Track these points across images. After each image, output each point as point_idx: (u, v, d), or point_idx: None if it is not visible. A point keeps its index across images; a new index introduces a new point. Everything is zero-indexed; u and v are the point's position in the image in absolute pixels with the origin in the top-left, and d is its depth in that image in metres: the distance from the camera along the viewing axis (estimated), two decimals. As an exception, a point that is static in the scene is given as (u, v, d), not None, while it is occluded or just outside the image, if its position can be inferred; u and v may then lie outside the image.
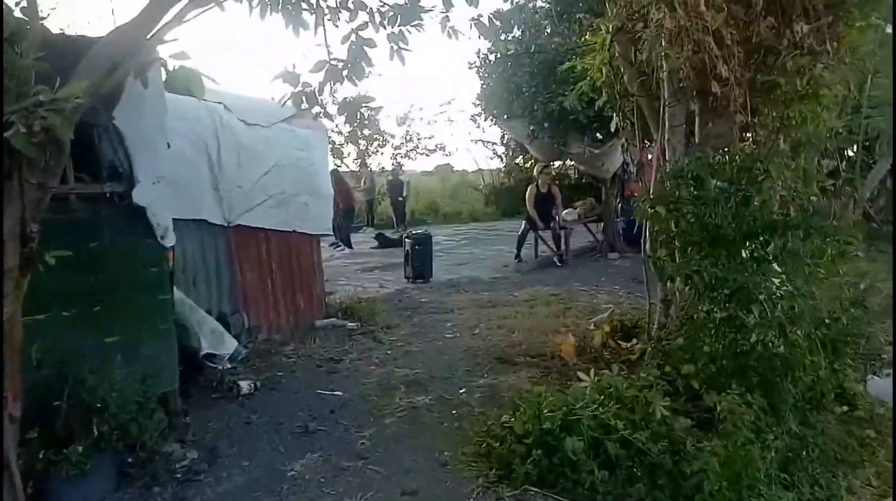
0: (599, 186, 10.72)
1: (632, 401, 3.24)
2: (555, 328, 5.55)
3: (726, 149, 3.57)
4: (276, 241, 5.64)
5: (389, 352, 5.11)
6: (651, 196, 3.48)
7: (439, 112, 29.26)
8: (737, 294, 3.09)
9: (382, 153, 20.19)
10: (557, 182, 10.87)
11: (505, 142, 21.81)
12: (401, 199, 17.05)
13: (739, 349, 3.39)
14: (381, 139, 20.26)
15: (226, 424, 3.69)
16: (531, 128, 8.86)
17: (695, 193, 3.22)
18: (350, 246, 12.71)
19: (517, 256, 9.43)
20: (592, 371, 3.43)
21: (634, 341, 4.70)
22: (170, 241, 3.64)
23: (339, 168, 14.12)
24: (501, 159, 23.50)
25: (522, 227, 9.59)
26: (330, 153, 20.02)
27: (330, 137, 19.52)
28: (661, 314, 4.32)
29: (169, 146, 3.83)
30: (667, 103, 3.85)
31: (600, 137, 9.70)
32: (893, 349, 4.00)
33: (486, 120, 10.44)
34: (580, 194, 14.39)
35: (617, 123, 4.40)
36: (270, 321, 5.57)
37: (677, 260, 3.45)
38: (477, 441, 3.32)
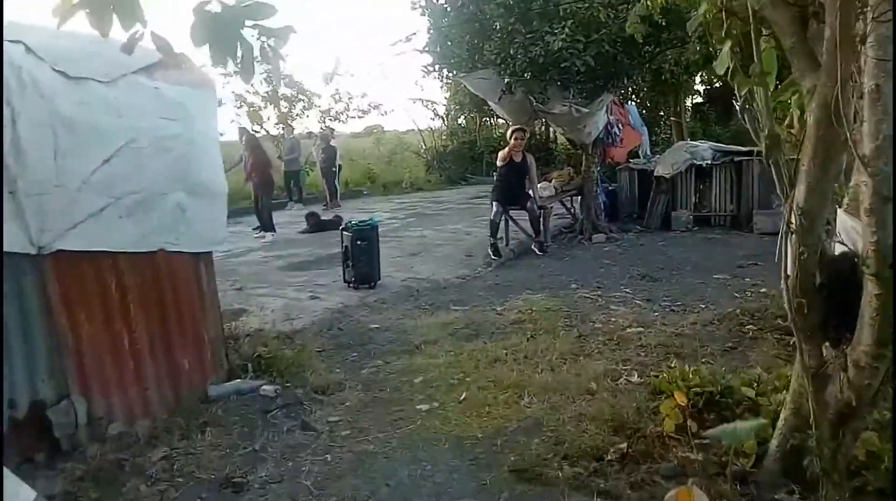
0: (577, 152, 8.83)
1: None
2: (583, 384, 3.65)
3: None
4: (134, 269, 3.45)
5: (329, 458, 3.06)
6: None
7: (396, 51, 25.60)
8: None
9: (308, 116, 17.67)
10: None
11: (449, 100, 19.67)
12: (334, 170, 14.73)
13: None
14: (307, 100, 17.69)
15: None
16: (506, 81, 6.80)
17: None
18: (273, 230, 10.43)
19: (495, 251, 7.45)
20: None
21: (738, 424, 2.86)
22: None
23: (255, 133, 11.59)
24: (443, 120, 21.39)
25: (494, 209, 7.59)
26: (245, 116, 17.34)
27: (242, 100, 16.76)
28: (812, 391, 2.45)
29: None
30: (877, 14, 1.91)
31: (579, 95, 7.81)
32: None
33: (438, 73, 8.24)
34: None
35: (728, 61, 2.44)
36: (130, 404, 3.41)
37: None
38: None
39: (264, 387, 3.84)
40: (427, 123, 21.24)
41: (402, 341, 4.70)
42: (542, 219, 7.76)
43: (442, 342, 4.60)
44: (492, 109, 10.08)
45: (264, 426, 3.42)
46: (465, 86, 11.05)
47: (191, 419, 3.46)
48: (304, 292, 6.63)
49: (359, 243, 6.55)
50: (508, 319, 5.07)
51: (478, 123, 20.36)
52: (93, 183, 3.27)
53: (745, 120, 2.48)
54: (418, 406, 3.57)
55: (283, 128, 15.64)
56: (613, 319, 4.93)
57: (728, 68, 2.48)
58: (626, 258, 7.28)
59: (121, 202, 3.37)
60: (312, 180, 16.04)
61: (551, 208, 8.18)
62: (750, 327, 4.46)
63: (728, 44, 2.46)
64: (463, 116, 21.00)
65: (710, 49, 2.47)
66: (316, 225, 10.93)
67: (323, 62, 31.84)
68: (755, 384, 3.16)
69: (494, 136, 20.71)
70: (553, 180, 8.88)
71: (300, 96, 16.68)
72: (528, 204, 7.62)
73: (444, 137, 21.08)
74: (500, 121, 20.75)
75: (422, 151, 20.96)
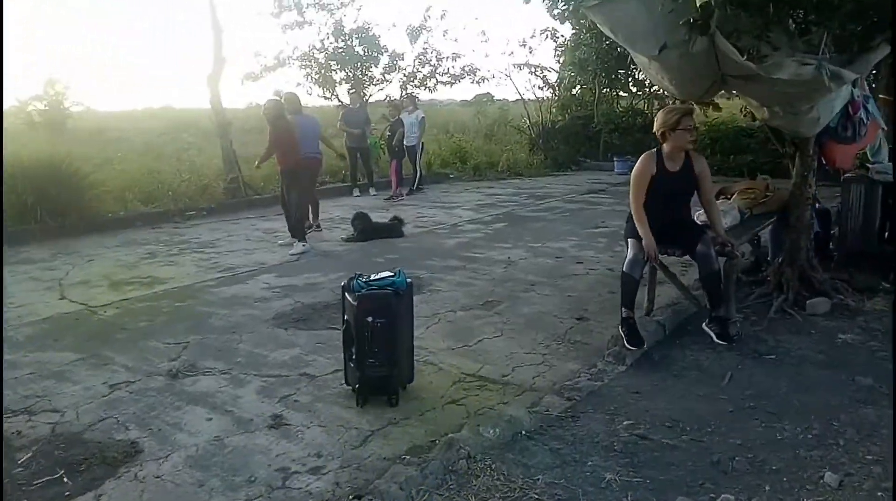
0: (785, 151, 5.08)
1: None
2: None
3: None
4: None
5: None
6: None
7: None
8: None
9: (390, 81, 14.59)
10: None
11: (563, 64, 15.89)
12: (397, 149, 11.62)
13: None
14: (391, 62, 14.57)
15: None
16: (698, 3, 3.24)
17: None
18: (303, 238, 7.50)
19: (629, 335, 3.92)
20: None
21: None
22: None
23: (282, 97, 8.56)
24: (554, 90, 17.67)
25: (629, 254, 4.11)
26: (314, 83, 14.40)
27: (310, 60, 13.55)
28: None
29: None
30: None
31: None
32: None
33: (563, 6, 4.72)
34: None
35: None
36: None
37: None
38: None
39: None
40: (534, 93, 17.60)
41: None
42: (726, 273, 4.20)
43: None
44: (630, 74, 6.46)
45: None
46: (588, 37, 7.58)
47: None
48: (273, 397, 3.61)
49: (371, 320, 3.39)
50: None
51: (596, 93, 16.50)
52: None
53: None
54: None
55: (354, 94, 12.66)
56: None
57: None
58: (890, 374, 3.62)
59: None
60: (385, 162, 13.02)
61: (741, 253, 4.54)
62: None
63: None
64: (578, 85, 17.17)
65: None
66: (364, 232, 7.92)
67: (409, 14, 28.58)
68: None
69: (617, 110, 16.77)
70: (734, 197, 5.22)
71: (374, 53, 13.54)
72: (700, 246, 4.08)
73: (553, 111, 17.41)
74: (623, 92, 16.75)
75: (525, 125, 17.41)
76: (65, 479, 2.87)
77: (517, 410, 3.26)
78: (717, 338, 4.06)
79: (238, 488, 2.74)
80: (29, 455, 3.08)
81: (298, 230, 7.41)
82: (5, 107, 17.79)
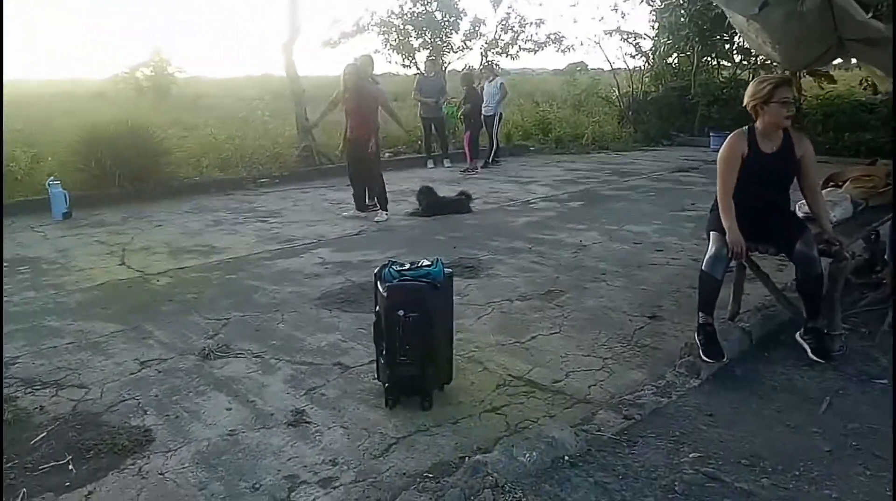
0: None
1: None
2: None
3: None
4: None
5: None
6: None
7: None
8: None
9: (470, 48, 14.02)
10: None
11: (658, 30, 14.75)
12: (473, 120, 11.11)
13: None
14: (472, 28, 13.98)
15: None
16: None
17: None
18: (384, 206, 7.44)
19: (706, 344, 3.34)
20: None
21: None
22: None
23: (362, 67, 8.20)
24: (647, 58, 16.48)
25: (711, 249, 3.50)
26: (392, 50, 14.04)
27: (389, 27, 13.13)
28: None
29: None
30: None
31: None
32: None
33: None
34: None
35: None
36: None
37: None
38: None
39: None
40: (626, 62, 16.49)
41: None
42: (832, 278, 3.51)
43: None
44: (730, 40, 5.66)
45: None
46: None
47: None
48: (300, 388, 3.34)
49: (402, 314, 3.02)
50: None
51: (694, 61, 15.21)
52: None
53: None
54: None
55: (431, 63, 12.21)
56: None
57: None
58: None
59: None
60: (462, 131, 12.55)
61: (851, 253, 3.81)
62: None
63: None
64: (675, 54, 15.90)
65: None
66: (430, 206, 7.57)
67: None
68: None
69: (717, 81, 15.41)
70: (846, 185, 4.42)
71: (453, 18, 12.98)
72: (800, 244, 3.41)
73: (645, 80, 16.25)
74: (724, 61, 15.35)
75: (614, 97, 16.39)
76: (70, 466, 2.71)
77: (562, 429, 2.81)
78: (813, 354, 3.41)
79: (239, 496, 2.48)
80: (43, 434, 2.96)
81: (383, 199, 7.34)
82: (114, 73, 18.70)
